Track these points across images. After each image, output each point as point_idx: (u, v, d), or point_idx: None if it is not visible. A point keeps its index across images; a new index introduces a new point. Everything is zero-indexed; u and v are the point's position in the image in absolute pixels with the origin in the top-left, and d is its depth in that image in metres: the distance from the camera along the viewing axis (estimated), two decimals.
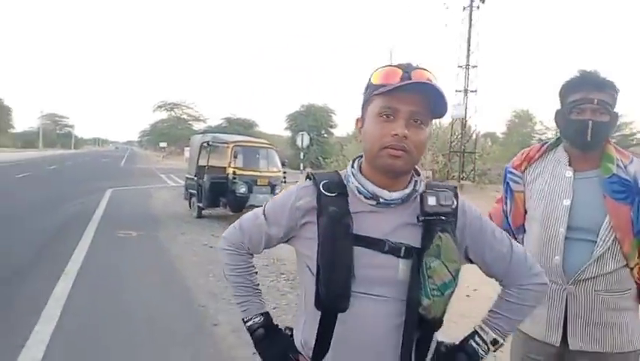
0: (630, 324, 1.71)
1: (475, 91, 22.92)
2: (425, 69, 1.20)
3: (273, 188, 9.83)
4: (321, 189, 1.24)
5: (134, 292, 5.48)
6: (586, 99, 1.70)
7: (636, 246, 1.67)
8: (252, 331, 1.37)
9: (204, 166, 10.64)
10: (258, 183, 9.65)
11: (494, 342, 1.28)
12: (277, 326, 1.39)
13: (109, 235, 8.59)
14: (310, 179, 1.30)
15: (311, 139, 25.80)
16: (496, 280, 1.33)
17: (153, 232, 8.78)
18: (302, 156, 21.23)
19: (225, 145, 10.32)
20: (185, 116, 61.25)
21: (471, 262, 1.31)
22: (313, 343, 1.25)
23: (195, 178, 10.65)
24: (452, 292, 1.19)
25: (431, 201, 1.20)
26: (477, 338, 1.29)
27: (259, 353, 1.38)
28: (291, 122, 37.38)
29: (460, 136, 22.57)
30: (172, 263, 6.61)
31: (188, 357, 3.78)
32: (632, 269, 1.68)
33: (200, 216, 10.66)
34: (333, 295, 1.20)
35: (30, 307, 4.70)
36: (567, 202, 1.72)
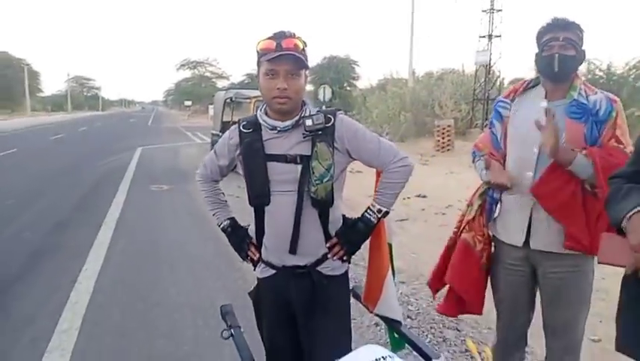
0: None
1: (500, 36, 22.35)
2: (292, 36, 1.72)
3: None
4: (241, 128, 1.85)
5: (169, 236, 6.01)
6: (553, 38, 2.01)
7: None
8: (223, 229, 2.00)
9: (228, 122, 10.94)
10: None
11: (379, 211, 1.84)
12: (239, 225, 2.00)
13: (142, 189, 9.16)
14: (237, 123, 1.90)
15: (333, 92, 25.69)
16: (374, 168, 1.88)
17: (183, 185, 9.27)
18: None
19: (248, 100, 10.60)
20: (208, 74, 61.46)
21: (354, 159, 1.86)
22: (255, 227, 1.89)
23: (220, 134, 10.95)
24: (329, 180, 1.75)
25: (308, 122, 1.75)
26: (369, 211, 1.86)
27: (229, 242, 2.00)
28: (313, 75, 37.03)
29: (484, 83, 22.24)
30: (202, 211, 7.07)
31: (220, 287, 4.27)
32: (584, 180, 1.98)
33: None
34: (256, 195, 1.81)
35: (77, 250, 5.27)
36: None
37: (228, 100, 11.17)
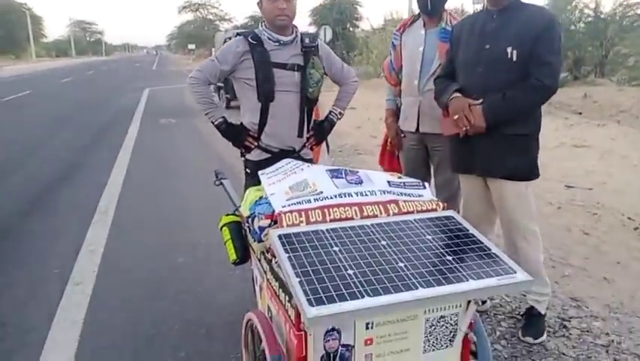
0: None
1: None
2: None
3: None
4: (250, 39, 2.37)
5: (179, 157, 7.09)
6: None
7: None
8: (218, 126, 2.46)
9: None
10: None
11: (340, 113, 2.70)
12: (232, 122, 2.51)
13: (152, 122, 10.20)
14: (240, 35, 2.43)
15: (336, 34, 25.73)
16: (336, 83, 2.71)
17: (189, 119, 10.27)
18: None
19: None
20: (211, 17, 60.82)
21: (326, 74, 2.58)
22: (258, 121, 2.44)
23: None
24: (321, 85, 2.48)
25: (306, 40, 2.46)
26: (332, 114, 2.68)
27: (225, 137, 2.50)
28: (314, 16, 36.85)
29: None
30: (206, 139, 8.10)
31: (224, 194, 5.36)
32: None
33: (228, 106, 12.02)
34: (266, 93, 2.38)
35: (102, 166, 6.35)
36: (420, 48, 2.98)
37: (227, 39, 11.87)
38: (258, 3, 2.46)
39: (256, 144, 2.49)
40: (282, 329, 1.71)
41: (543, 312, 2.52)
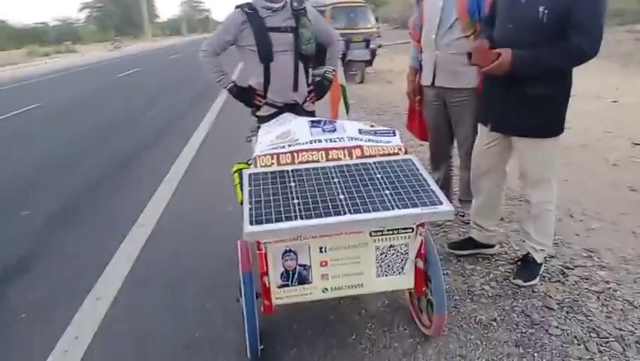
0: (468, 72, 3.10)
1: None
2: None
3: (367, 43, 11.01)
4: (246, 10, 2.67)
5: None
6: None
7: (470, 24, 3.00)
8: (230, 90, 2.79)
9: None
10: (354, 40, 10.84)
11: (333, 70, 3.00)
12: (241, 85, 2.81)
13: None
14: (238, 7, 2.71)
15: None
16: (325, 44, 2.92)
17: None
18: None
19: (324, 8, 11.60)
20: None
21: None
22: (262, 80, 2.76)
23: None
24: (313, 41, 2.74)
25: (294, 4, 2.73)
26: (326, 72, 2.98)
27: (237, 99, 2.81)
28: None
29: None
30: None
31: None
32: (467, 37, 3.02)
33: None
34: (265, 56, 2.69)
35: (184, 132, 7.06)
36: (440, 3, 3.07)
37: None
38: None
39: (264, 101, 2.83)
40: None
41: (539, 261, 2.61)
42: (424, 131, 3.54)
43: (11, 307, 2.75)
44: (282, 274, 1.92)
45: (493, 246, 2.94)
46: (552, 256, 2.83)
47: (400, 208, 1.74)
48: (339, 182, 1.92)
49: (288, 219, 1.71)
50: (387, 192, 1.84)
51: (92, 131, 7.71)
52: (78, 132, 7.72)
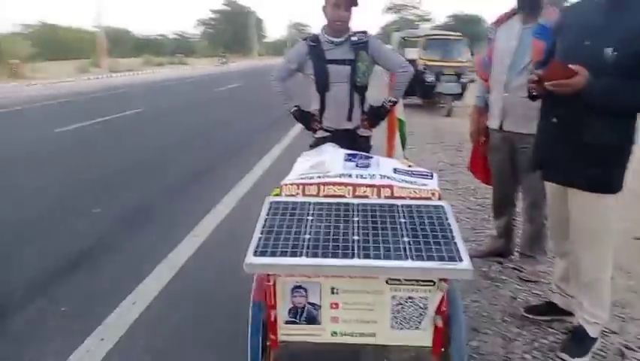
0: (536, 117, 2.86)
1: None
2: None
3: (459, 76, 10.71)
4: (309, 43, 2.85)
5: None
6: None
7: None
8: (293, 113, 2.96)
9: None
10: (445, 73, 10.61)
11: (392, 101, 2.95)
12: (304, 109, 2.95)
13: None
14: (304, 40, 2.89)
15: None
16: (389, 70, 2.93)
17: None
18: None
19: (418, 39, 11.50)
20: (411, 17, 61.47)
21: (377, 63, 2.87)
22: (319, 107, 2.91)
23: None
24: (368, 74, 2.80)
25: (353, 38, 2.81)
26: (386, 101, 2.94)
27: (298, 121, 2.97)
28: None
29: None
30: None
31: None
32: None
33: None
34: (322, 84, 2.83)
35: (262, 148, 7.22)
36: (513, 43, 2.89)
37: (402, 39, 12.21)
38: (323, 8, 2.84)
39: (320, 126, 2.96)
40: None
41: (592, 335, 2.30)
42: (488, 175, 3.32)
43: (55, 299, 2.90)
44: (290, 310, 1.84)
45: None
46: (613, 332, 2.49)
47: (413, 260, 1.59)
48: (358, 221, 1.81)
49: (294, 255, 1.63)
50: (405, 239, 1.70)
51: (178, 139, 8.17)
52: (166, 139, 8.22)
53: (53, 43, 40.52)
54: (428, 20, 59.44)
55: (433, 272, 1.60)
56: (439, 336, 1.84)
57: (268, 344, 1.88)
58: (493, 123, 3.07)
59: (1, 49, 28.09)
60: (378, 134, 3.20)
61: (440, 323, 1.81)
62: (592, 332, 2.29)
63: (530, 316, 2.61)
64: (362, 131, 2.99)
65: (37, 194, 5.08)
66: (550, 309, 2.61)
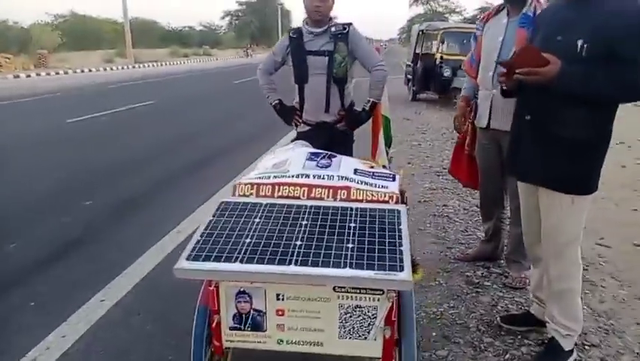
0: None
1: None
2: None
3: None
4: (290, 35, 2.86)
5: None
6: None
7: None
8: (274, 106, 2.97)
9: (418, 53, 11.75)
10: (462, 67, 10.29)
11: (373, 103, 2.87)
12: (285, 103, 2.97)
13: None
14: (288, 31, 2.91)
15: None
16: (366, 69, 2.82)
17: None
18: None
19: (436, 32, 11.21)
20: (441, 9, 60.42)
21: (356, 58, 2.83)
22: (298, 100, 2.90)
23: (411, 64, 11.93)
24: (345, 65, 2.75)
25: (332, 29, 2.78)
26: (366, 104, 2.88)
27: (279, 115, 2.98)
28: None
29: None
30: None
31: None
32: None
33: (414, 99, 12.07)
34: (300, 76, 2.83)
35: (272, 139, 7.14)
36: (500, 38, 2.75)
37: (420, 32, 11.90)
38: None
39: (301, 120, 2.95)
40: None
41: (566, 348, 2.17)
42: (472, 176, 3.18)
43: (27, 293, 2.88)
44: (234, 316, 1.77)
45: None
46: (593, 345, 2.35)
47: (352, 268, 1.50)
48: (306, 225, 1.73)
49: (229, 260, 1.56)
50: (350, 245, 1.61)
51: (184, 132, 8.18)
52: (171, 132, 8.21)
53: (82, 34, 41.14)
54: (459, 13, 58.35)
55: (368, 282, 1.51)
56: (390, 348, 1.75)
57: (212, 350, 1.82)
58: (480, 122, 2.94)
59: (32, 38, 28.72)
60: (363, 131, 3.11)
61: (388, 335, 1.72)
62: (565, 344, 2.16)
63: (505, 325, 2.48)
64: (342, 126, 2.94)
65: (32, 183, 5.13)
66: (528, 319, 2.48)
